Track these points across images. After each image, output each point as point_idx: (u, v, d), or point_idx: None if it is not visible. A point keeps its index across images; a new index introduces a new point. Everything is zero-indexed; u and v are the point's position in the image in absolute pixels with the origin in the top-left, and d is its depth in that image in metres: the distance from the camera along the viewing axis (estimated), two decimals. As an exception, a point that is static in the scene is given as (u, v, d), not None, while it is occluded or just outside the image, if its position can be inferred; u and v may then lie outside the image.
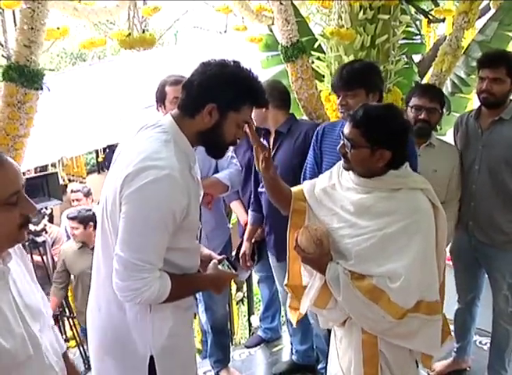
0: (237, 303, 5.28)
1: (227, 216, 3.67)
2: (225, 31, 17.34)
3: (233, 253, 3.38)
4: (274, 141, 3.20)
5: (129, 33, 2.42)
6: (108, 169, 2.01)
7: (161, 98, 2.98)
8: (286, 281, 2.38)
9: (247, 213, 3.44)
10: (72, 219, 4.31)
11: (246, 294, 5.05)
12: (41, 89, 2.57)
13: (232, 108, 1.86)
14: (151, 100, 3.26)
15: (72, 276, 4.50)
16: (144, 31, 2.40)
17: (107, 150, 8.59)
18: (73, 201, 5.56)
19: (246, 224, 3.46)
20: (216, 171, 3.12)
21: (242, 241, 3.39)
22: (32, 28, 2.47)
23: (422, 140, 3.07)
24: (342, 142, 2.12)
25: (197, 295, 3.53)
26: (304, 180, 2.97)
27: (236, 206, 3.65)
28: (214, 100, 1.83)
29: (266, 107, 2.00)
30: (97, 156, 9.63)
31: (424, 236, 2.06)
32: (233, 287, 4.87)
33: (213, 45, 10.47)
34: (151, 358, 1.96)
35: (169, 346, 1.98)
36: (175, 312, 1.98)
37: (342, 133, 2.13)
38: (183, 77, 2.94)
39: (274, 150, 3.16)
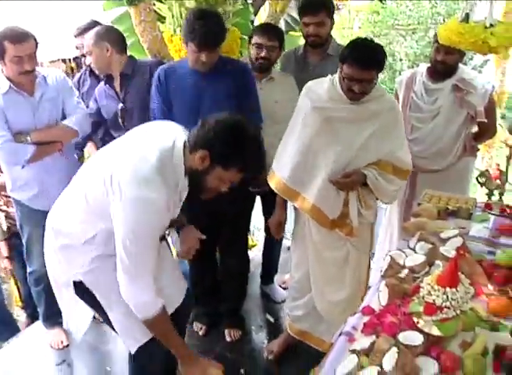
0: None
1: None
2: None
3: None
4: (121, 85, 3.30)
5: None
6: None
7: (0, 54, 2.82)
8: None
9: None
10: None
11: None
12: None
13: (222, 164, 1.96)
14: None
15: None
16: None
17: None
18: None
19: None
20: (64, 118, 3.15)
21: None
22: None
23: (263, 74, 3.32)
24: (356, 85, 2.49)
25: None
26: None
27: (91, 148, 3.71)
28: (209, 149, 1.94)
29: (259, 173, 2.29)
30: None
31: None
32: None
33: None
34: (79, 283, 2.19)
35: (92, 269, 2.16)
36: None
37: (354, 78, 2.48)
38: (28, 33, 2.83)
39: (123, 93, 3.28)
